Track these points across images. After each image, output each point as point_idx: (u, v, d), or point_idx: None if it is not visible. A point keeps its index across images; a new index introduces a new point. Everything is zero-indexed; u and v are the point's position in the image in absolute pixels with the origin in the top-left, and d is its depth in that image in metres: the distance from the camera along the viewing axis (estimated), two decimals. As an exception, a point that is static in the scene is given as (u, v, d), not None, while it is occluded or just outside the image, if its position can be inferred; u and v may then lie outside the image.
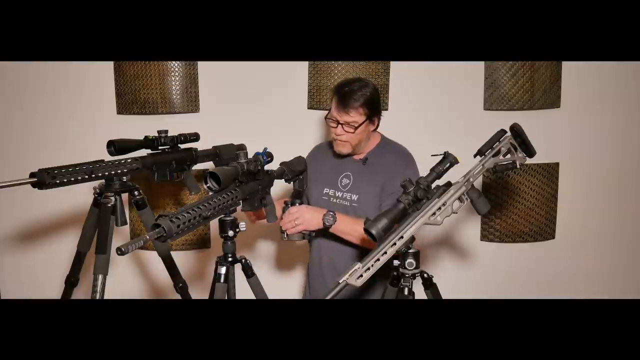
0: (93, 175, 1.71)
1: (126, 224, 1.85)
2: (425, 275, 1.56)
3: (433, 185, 1.49)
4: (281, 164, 1.81)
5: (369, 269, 1.37)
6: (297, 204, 1.82)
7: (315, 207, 1.82)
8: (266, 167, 1.71)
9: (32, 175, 1.59)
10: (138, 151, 1.86)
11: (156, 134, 1.92)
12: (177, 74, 2.53)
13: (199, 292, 2.49)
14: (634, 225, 2.78)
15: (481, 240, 2.73)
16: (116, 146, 1.78)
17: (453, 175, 1.52)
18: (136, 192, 1.87)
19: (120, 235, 2.54)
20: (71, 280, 1.92)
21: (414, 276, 1.52)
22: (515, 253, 2.73)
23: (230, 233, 1.62)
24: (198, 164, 2.06)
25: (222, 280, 1.63)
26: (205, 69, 2.56)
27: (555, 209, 2.72)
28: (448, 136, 2.61)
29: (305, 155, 1.98)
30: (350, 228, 1.78)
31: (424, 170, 1.52)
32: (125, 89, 2.55)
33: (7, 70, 2.54)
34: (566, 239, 2.75)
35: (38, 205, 2.58)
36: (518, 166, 1.55)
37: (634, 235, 2.79)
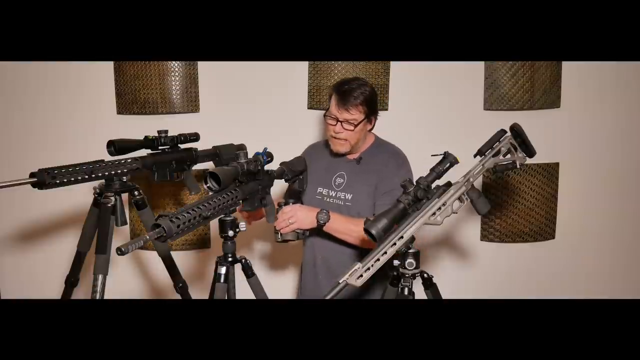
0: (93, 175, 1.71)
1: (126, 224, 1.86)
2: (425, 275, 1.56)
3: (433, 185, 1.49)
4: (281, 164, 1.81)
5: (369, 269, 1.37)
6: (291, 204, 1.81)
7: (308, 206, 1.82)
8: (266, 167, 1.71)
9: (32, 175, 1.59)
10: (138, 151, 1.86)
11: (156, 134, 1.92)
12: (177, 74, 2.53)
13: (199, 292, 2.49)
14: (634, 225, 2.78)
15: (481, 240, 2.73)
16: (116, 146, 1.78)
17: (453, 175, 1.52)
18: (136, 192, 1.87)
19: (120, 235, 2.54)
20: (71, 280, 1.92)
21: (414, 276, 1.52)
22: (515, 253, 2.73)
23: (230, 233, 1.62)
24: (198, 164, 2.06)
25: (222, 280, 1.63)
26: (205, 69, 2.56)
27: (555, 209, 2.72)
28: (448, 136, 2.61)
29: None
30: (345, 227, 1.78)
31: (424, 170, 1.52)
32: (125, 89, 2.55)
33: (7, 70, 2.54)
34: (566, 239, 2.75)
35: (38, 205, 2.58)
36: (518, 166, 1.55)
37: (634, 235, 2.79)
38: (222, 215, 1.59)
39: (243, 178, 1.58)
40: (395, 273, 1.55)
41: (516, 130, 1.54)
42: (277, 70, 2.55)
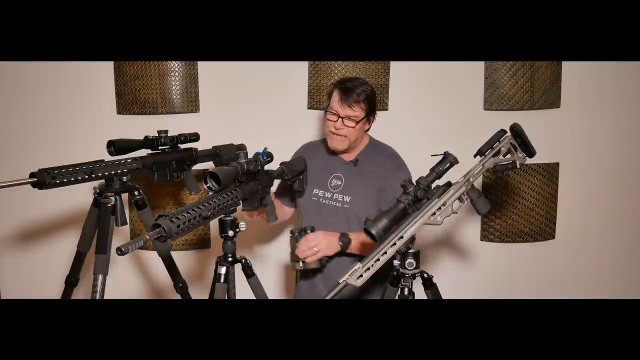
0: (93, 175, 1.71)
1: (126, 224, 1.86)
2: (425, 275, 1.56)
3: (433, 185, 1.49)
4: (281, 164, 1.81)
5: (369, 269, 1.37)
6: (309, 231, 1.77)
7: (328, 232, 1.78)
8: (266, 167, 1.71)
9: (32, 175, 1.59)
10: (138, 151, 1.86)
11: (156, 134, 1.92)
12: (177, 74, 2.53)
13: (199, 292, 2.49)
14: (634, 225, 2.78)
15: (481, 240, 2.73)
16: (116, 146, 1.78)
17: (453, 175, 1.52)
18: (136, 192, 1.87)
19: (120, 235, 2.54)
20: (71, 280, 1.93)
21: (414, 276, 1.52)
22: (515, 253, 2.73)
23: (230, 233, 1.62)
24: (198, 164, 2.06)
25: (222, 280, 1.63)
26: (205, 69, 2.56)
27: (555, 209, 2.72)
28: (448, 136, 2.61)
29: (305, 156, 1.98)
30: (360, 244, 1.79)
31: (424, 170, 1.52)
32: (125, 89, 2.55)
33: (7, 70, 2.54)
34: (566, 239, 2.75)
35: (38, 205, 2.58)
36: (518, 166, 1.55)
37: (634, 235, 2.79)
38: (222, 215, 1.59)
39: (243, 178, 1.58)
40: (395, 273, 1.55)
41: (516, 130, 1.54)
42: (277, 70, 2.55)
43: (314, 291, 1.93)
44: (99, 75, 2.55)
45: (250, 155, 1.66)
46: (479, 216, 2.62)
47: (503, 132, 1.56)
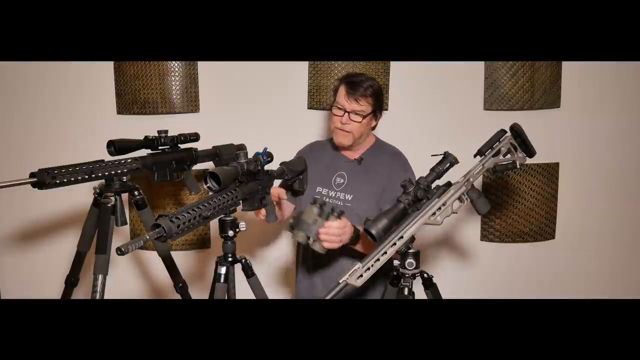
0: (93, 175, 1.71)
1: (126, 224, 1.86)
2: (425, 275, 1.56)
3: (433, 185, 1.49)
4: (281, 164, 1.81)
5: (369, 269, 1.37)
6: (337, 214, 1.60)
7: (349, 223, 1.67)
8: (266, 167, 1.71)
9: (32, 175, 1.59)
10: (138, 151, 1.86)
11: (156, 134, 1.92)
12: (177, 74, 2.53)
13: (199, 292, 2.49)
14: (634, 225, 2.79)
15: (481, 240, 2.73)
16: (116, 146, 1.78)
17: (453, 175, 1.52)
18: (136, 192, 1.87)
19: (120, 235, 2.54)
20: (71, 280, 1.93)
21: (414, 276, 1.52)
22: (515, 253, 2.73)
23: (230, 233, 1.62)
24: (198, 164, 2.06)
25: (222, 280, 1.63)
26: (205, 69, 2.56)
27: (555, 209, 2.72)
28: (448, 136, 2.61)
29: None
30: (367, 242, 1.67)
31: (424, 170, 1.52)
32: (125, 89, 2.55)
33: (7, 70, 2.54)
34: (566, 239, 2.75)
35: (38, 205, 2.58)
36: (518, 166, 1.55)
37: (634, 235, 2.79)
38: (222, 215, 1.59)
39: (243, 178, 1.58)
40: (395, 273, 1.55)
41: (516, 130, 1.54)
42: (277, 70, 2.55)
43: (313, 292, 1.93)
44: (99, 75, 2.55)
45: (250, 155, 1.65)
46: (479, 216, 2.63)
47: (503, 132, 1.56)
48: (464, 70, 2.56)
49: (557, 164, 2.69)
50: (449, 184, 1.52)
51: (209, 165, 2.19)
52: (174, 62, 2.51)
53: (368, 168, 1.88)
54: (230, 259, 1.65)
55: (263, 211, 1.73)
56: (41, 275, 2.64)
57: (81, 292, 2.36)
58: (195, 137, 2.02)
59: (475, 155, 1.56)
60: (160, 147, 1.92)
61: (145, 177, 1.95)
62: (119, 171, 1.78)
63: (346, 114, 1.80)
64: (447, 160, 1.49)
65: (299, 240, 1.62)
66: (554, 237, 2.74)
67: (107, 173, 1.75)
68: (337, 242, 1.60)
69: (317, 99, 2.57)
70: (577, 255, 2.77)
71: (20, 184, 1.56)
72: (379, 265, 1.39)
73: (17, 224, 2.66)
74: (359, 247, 1.73)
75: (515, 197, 2.66)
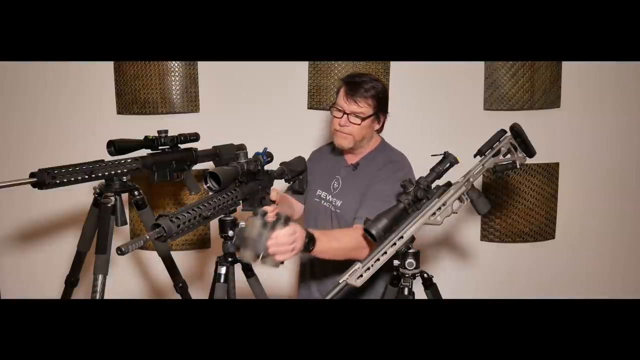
0: (93, 175, 1.71)
1: (126, 224, 1.85)
2: (425, 275, 1.55)
3: (433, 185, 1.49)
4: (281, 164, 1.81)
5: (369, 269, 1.37)
6: (284, 221, 1.41)
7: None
8: (266, 167, 1.71)
9: (32, 175, 1.59)
10: (138, 151, 1.86)
11: (156, 134, 1.92)
12: (177, 74, 2.53)
13: (199, 292, 2.49)
14: (634, 225, 2.79)
15: (481, 240, 2.73)
16: (116, 146, 1.78)
17: (453, 175, 1.52)
18: (136, 192, 1.87)
19: (120, 235, 2.54)
20: (71, 280, 1.92)
21: (414, 276, 1.52)
22: (515, 253, 2.73)
23: (230, 233, 1.62)
24: (198, 164, 2.06)
25: (222, 280, 1.63)
26: (205, 69, 2.56)
27: (555, 209, 2.72)
28: (448, 136, 2.61)
29: (305, 155, 1.97)
30: (328, 246, 1.53)
31: (424, 170, 1.52)
32: (125, 89, 2.55)
33: (7, 70, 2.54)
34: (566, 239, 2.75)
35: (38, 205, 2.58)
36: (518, 166, 1.55)
37: (634, 235, 2.79)
38: (222, 215, 1.59)
39: (243, 178, 1.58)
40: (395, 273, 1.55)
41: (516, 130, 1.54)
42: (277, 70, 2.55)
43: (309, 289, 1.92)
44: (99, 75, 2.56)
45: (250, 155, 1.65)
46: (479, 216, 2.62)
47: (503, 132, 1.56)
48: (464, 70, 2.56)
49: (557, 164, 2.69)
50: (449, 184, 1.52)
51: (209, 165, 2.19)
52: (174, 62, 2.51)
53: (361, 174, 1.80)
54: (230, 259, 1.65)
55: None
56: (41, 275, 2.64)
57: (81, 292, 2.36)
58: (195, 137, 2.02)
59: (475, 155, 1.56)
60: (160, 147, 1.92)
61: (145, 177, 1.95)
62: (119, 171, 1.78)
63: (345, 115, 1.73)
64: (447, 160, 1.49)
65: (248, 261, 1.43)
66: (554, 237, 2.74)
67: (107, 173, 1.75)
68: (290, 251, 1.40)
69: (317, 99, 2.57)
70: (577, 255, 2.77)
71: (20, 184, 1.56)
72: (379, 265, 1.39)
73: (17, 224, 2.66)
74: (317, 252, 1.50)
75: (515, 197, 2.66)
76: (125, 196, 1.87)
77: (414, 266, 1.49)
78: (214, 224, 2.31)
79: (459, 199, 1.51)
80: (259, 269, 1.77)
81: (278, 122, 2.60)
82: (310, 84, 2.58)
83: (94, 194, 1.82)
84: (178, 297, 2.10)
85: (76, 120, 2.58)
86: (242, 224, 1.62)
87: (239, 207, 1.62)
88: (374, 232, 1.38)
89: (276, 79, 2.58)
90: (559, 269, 2.77)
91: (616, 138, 2.72)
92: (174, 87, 2.53)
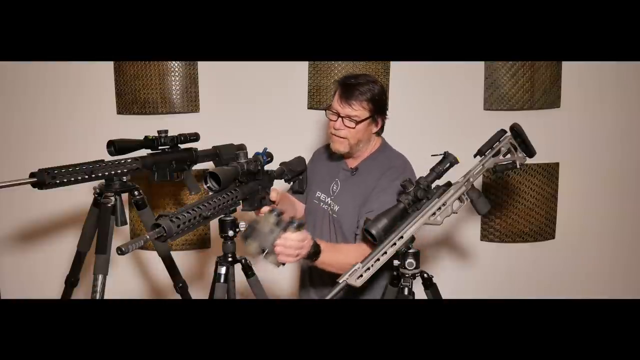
0: (93, 175, 1.71)
1: (126, 224, 1.86)
2: (425, 275, 1.55)
3: (433, 185, 1.49)
4: (281, 164, 1.81)
5: (369, 269, 1.37)
6: (296, 226, 1.44)
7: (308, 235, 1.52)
8: (266, 167, 1.71)
9: (32, 175, 1.59)
10: (138, 151, 1.86)
11: (156, 134, 1.92)
12: (177, 74, 2.53)
13: (199, 292, 2.49)
14: (634, 225, 2.79)
15: (481, 240, 2.73)
16: (116, 146, 1.78)
17: (453, 175, 1.52)
18: (136, 192, 1.87)
19: (120, 235, 2.54)
20: (71, 280, 1.93)
21: (414, 276, 1.52)
22: (515, 253, 2.73)
23: (230, 233, 1.62)
24: (198, 164, 2.06)
25: (222, 280, 1.63)
26: (205, 69, 2.56)
27: (555, 209, 2.72)
28: (448, 136, 2.61)
29: (305, 155, 1.97)
30: (333, 259, 1.55)
31: (424, 170, 1.52)
32: (125, 89, 2.55)
33: (7, 70, 2.54)
34: (566, 239, 2.75)
35: (38, 205, 2.58)
36: (518, 166, 1.55)
37: (634, 235, 2.79)
38: (222, 215, 1.59)
39: (243, 178, 1.58)
40: (395, 273, 1.55)
41: (516, 130, 1.54)
42: (277, 70, 2.55)
43: (307, 290, 1.92)
44: (99, 75, 2.56)
45: (250, 155, 1.65)
46: (479, 216, 2.62)
47: (503, 132, 1.56)
48: (464, 70, 2.56)
49: (557, 164, 2.69)
50: (449, 184, 1.52)
51: (209, 165, 2.19)
52: (174, 62, 2.51)
53: (360, 179, 1.75)
54: (230, 259, 1.65)
55: (264, 209, 1.72)
56: (41, 275, 2.64)
57: (81, 292, 2.36)
58: (195, 137, 2.02)
59: (475, 155, 1.56)
60: (160, 147, 1.92)
61: (145, 177, 1.95)
62: (119, 171, 1.78)
63: (339, 118, 1.68)
64: (447, 160, 1.49)
65: (252, 252, 1.42)
66: (554, 237, 2.74)
67: (107, 173, 1.75)
68: (294, 256, 1.42)
69: (317, 99, 2.57)
70: (577, 255, 2.77)
71: (20, 184, 1.56)
72: (379, 265, 1.39)
73: (17, 224, 2.66)
74: (319, 263, 1.53)
75: (515, 197, 2.66)
76: (125, 196, 1.87)
77: (414, 266, 1.49)
78: (214, 224, 2.31)
79: (459, 199, 1.51)
80: (259, 268, 1.78)
81: (278, 122, 2.60)
82: (310, 84, 2.58)
83: (94, 194, 1.82)
84: (178, 297, 2.10)
85: (76, 120, 2.58)
86: (242, 224, 1.62)
87: (239, 207, 1.62)
88: (374, 232, 1.38)
89: (276, 79, 2.58)
90: (559, 269, 2.77)
91: (616, 138, 2.72)
92: (174, 87, 2.53)
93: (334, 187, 1.82)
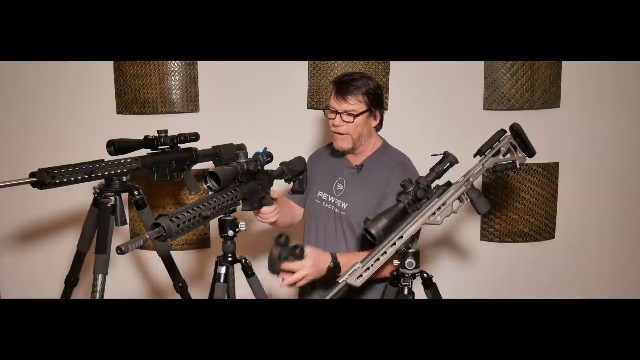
0: (93, 175, 1.71)
1: (126, 224, 1.86)
2: (425, 275, 1.55)
3: (433, 185, 1.49)
4: (281, 164, 1.81)
5: (369, 269, 1.37)
6: (300, 251, 1.56)
7: (320, 255, 1.61)
8: (266, 167, 1.71)
9: (32, 175, 1.59)
10: (138, 151, 1.86)
11: (156, 134, 1.92)
12: (177, 74, 2.53)
13: (199, 292, 2.49)
14: (634, 225, 2.79)
15: (481, 240, 2.73)
16: (116, 146, 1.78)
17: (453, 175, 1.52)
18: (136, 192, 1.87)
19: (120, 235, 2.54)
20: (71, 280, 1.93)
21: (414, 276, 1.52)
22: (515, 253, 2.73)
23: (230, 233, 1.62)
24: (198, 164, 2.06)
25: (222, 280, 1.63)
26: (205, 69, 2.56)
27: (555, 209, 2.72)
28: (448, 136, 2.61)
29: (305, 155, 1.97)
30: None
31: (424, 170, 1.52)
32: (125, 89, 2.55)
33: (7, 70, 2.54)
34: (566, 239, 2.75)
35: (38, 205, 2.58)
36: (518, 166, 1.55)
37: (634, 235, 2.79)
38: (222, 215, 1.59)
39: (243, 178, 1.58)
40: (395, 273, 1.55)
41: (516, 130, 1.54)
42: (277, 70, 2.55)
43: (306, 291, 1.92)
44: (99, 75, 2.56)
45: (250, 155, 1.65)
46: (479, 216, 2.63)
47: (503, 132, 1.56)
48: (464, 70, 2.57)
49: (557, 164, 2.69)
50: (449, 184, 1.52)
51: (209, 165, 2.19)
52: (174, 62, 2.51)
53: (367, 176, 1.79)
54: (230, 259, 1.65)
55: (264, 209, 1.72)
56: (41, 275, 2.64)
57: (81, 292, 2.36)
58: (195, 137, 2.02)
59: (475, 155, 1.55)
60: (160, 147, 1.92)
61: (145, 177, 1.95)
62: (119, 171, 1.78)
63: (338, 115, 1.71)
64: (447, 160, 1.49)
65: (272, 274, 1.61)
66: (554, 237, 2.74)
67: (107, 173, 1.75)
68: (299, 281, 1.56)
69: (317, 99, 2.57)
70: (577, 255, 2.77)
71: (20, 184, 1.57)
72: (379, 265, 1.39)
73: (17, 224, 2.66)
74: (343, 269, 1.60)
75: (515, 197, 2.66)
76: (125, 196, 1.87)
77: (414, 266, 1.49)
78: (214, 224, 2.31)
79: (459, 199, 1.51)
80: (258, 269, 1.78)
81: (278, 122, 2.60)
82: (310, 84, 2.58)
83: (94, 194, 1.82)
84: (178, 297, 2.10)
85: (76, 120, 2.58)
86: (242, 224, 1.62)
87: (239, 207, 1.62)
88: (374, 232, 1.38)
89: (276, 79, 2.58)
90: (559, 269, 2.77)
91: (616, 138, 2.72)
92: (174, 87, 2.53)
93: (339, 186, 1.83)
